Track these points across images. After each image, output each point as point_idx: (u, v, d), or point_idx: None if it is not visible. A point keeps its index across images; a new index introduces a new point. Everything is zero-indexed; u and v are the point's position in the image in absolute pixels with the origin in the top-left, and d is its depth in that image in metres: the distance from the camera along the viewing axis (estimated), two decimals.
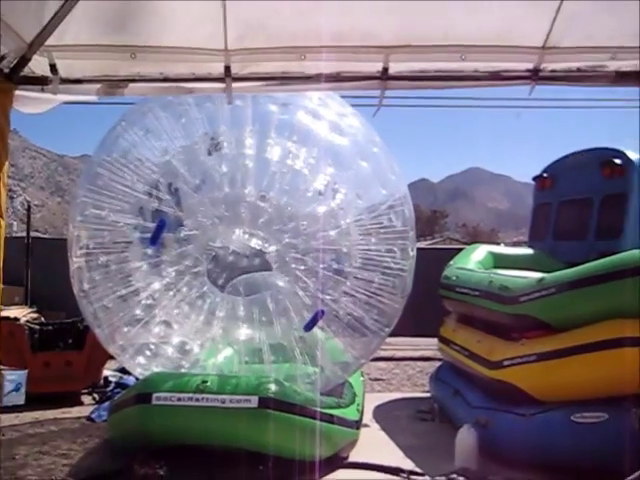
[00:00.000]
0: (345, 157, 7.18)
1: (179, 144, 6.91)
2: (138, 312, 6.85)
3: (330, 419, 6.42)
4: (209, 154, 6.94)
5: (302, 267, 6.87)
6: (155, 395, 6.06)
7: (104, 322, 6.97)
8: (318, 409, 6.31)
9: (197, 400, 5.99)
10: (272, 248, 7.08)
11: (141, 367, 6.99)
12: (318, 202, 7.01)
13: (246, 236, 7.12)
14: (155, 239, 6.60)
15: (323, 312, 6.70)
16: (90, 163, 7.40)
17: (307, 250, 6.88)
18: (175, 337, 7.04)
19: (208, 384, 6.11)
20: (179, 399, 6.03)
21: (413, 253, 7.37)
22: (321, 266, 6.78)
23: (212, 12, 3.40)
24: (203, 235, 6.88)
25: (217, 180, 6.88)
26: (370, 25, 3.59)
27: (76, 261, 6.92)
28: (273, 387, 6.14)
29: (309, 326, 6.74)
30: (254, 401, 5.94)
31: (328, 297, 6.83)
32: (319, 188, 7.03)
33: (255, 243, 7.13)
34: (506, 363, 6.70)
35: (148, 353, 6.96)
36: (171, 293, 6.87)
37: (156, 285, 6.86)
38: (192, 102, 6.78)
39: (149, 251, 6.81)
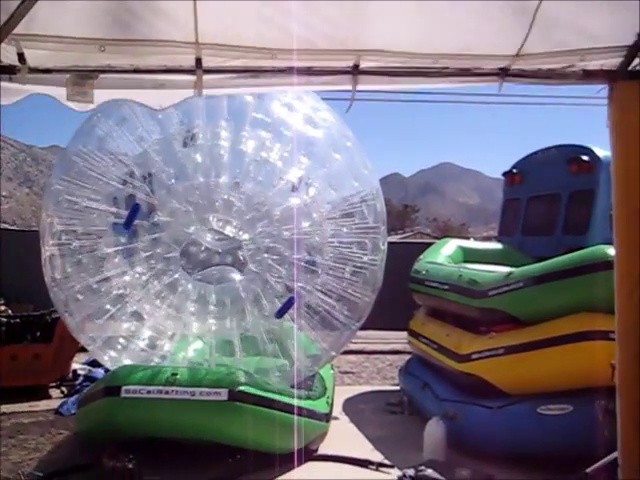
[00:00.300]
0: (319, 149, 7.23)
1: (155, 136, 6.92)
2: (109, 301, 6.83)
3: (300, 412, 6.43)
4: (184, 146, 6.94)
5: (274, 257, 6.90)
6: (124, 388, 6.03)
7: (75, 311, 6.93)
8: (288, 401, 6.33)
9: (167, 393, 5.97)
10: (245, 236, 7.08)
11: (111, 359, 6.95)
12: (291, 193, 7.05)
13: (220, 223, 7.12)
14: (129, 223, 6.57)
15: (294, 299, 6.73)
16: (65, 152, 7.34)
17: (279, 240, 6.91)
18: (146, 329, 7.01)
19: (178, 377, 6.09)
20: (149, 392, 6.00)
21: (384, 247, 7.42)
22: (294, 257, 6.82)
23: (182, 5, 3.38)
24: (176, 222, 6.87)
25: (191, 170, 6.89)
26: (341, 31, 3.60)
27: (48, 249, 6.88)
28: (243, 379, 6.16)
29: (281, 312, 6.76)
30: (224, 394, 5.94)
31: (300, 287, 6.86)
32: (292, 180, 7.07)
33: (229, 231, 7.14)
34: (474, 356, 6.78)
35: (118, 347, 6.92)
36: (144, 278, 6.86)
37: (129, 273, 6.84)
38: None
39: (122, 239, 6.78)
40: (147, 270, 6.87)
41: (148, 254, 6.84)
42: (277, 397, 6.29)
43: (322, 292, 6.96)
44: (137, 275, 6.88)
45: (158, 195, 6.84)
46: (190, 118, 6.97)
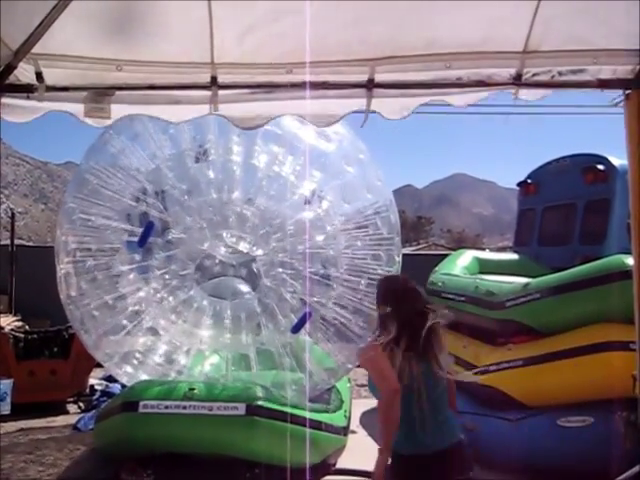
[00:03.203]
0: (331, 162, 7.21)
1: (167, 152, 6.94)
2: (125, 317, 6.82)
3: (318, 426, 6.40)
4: (197, 161, 6.96)
5: (289, 271, 6.87)
6: (142, 403, 6.02)
7: (91, 328, 6.92)
8: (306, 415, 6.30)
9: (184, 408, 5.95)
10: (259, 252, 7.08)
11: (127, 375, 6.96)
12: (304, 207, 7.04)
13: (233, 239, 7.13)
14: (143, 240, 6.59)
15: (311, 313, 6.70)
16: (78, 170, 7.40)
17: (293, 254, 6.89)
18: (162, 344, 7.01)
19: (195, 391, 6.08)
20: (166, 407, 5.98)
21: (399, 259, 7.39)
22: (308, 270, 6.80)
23: (199, 27, 3.42)
24: (190, 238, 6.87)
25: (204, 186, 6.89)
26: (354, 38, 3.62)
27: (63, 267, 6.89)
28: (261, 394, 6.13)
29: (297, 327, 6.73)
30: (241, 408, 5.92)
31: (315, 301, 6.84)
32: (305, 193, 7.06)
33: (243, 247, 7.14)
34: (492, 368, 6.72)
35: (135, 362, 6.93)
36: (158, 296, 6.86)
37: (143, 290, 6.85)
38: None
39: (137, 256, 6.79)
40: (162, 287, 6.87)
41: (163, 271, 6.84)
42: (295, 411, 6.26)
43: (337, 305, 6.92)
44: (152, 292, 6.87)
45: (171, 212, 6.84)
46: (202, 133, 6.99)
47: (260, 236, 6.95)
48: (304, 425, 6.19)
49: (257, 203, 6.91)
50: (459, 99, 3.91)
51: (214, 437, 5.99)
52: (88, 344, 7.06)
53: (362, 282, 7.03)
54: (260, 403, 6.00)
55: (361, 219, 7.27)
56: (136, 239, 6.63)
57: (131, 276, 6.84)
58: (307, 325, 6.76)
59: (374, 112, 3.95)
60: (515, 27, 3.61)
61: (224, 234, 7.09)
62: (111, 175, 6.81)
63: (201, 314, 6.92)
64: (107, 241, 6.78)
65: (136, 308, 6.83)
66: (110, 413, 6.36)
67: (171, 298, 6.87)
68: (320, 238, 6.98)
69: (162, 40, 3.58)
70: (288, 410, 6.18)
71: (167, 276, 6.84)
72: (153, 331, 6.97)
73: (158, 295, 6.86)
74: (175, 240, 6.84)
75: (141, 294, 6.84)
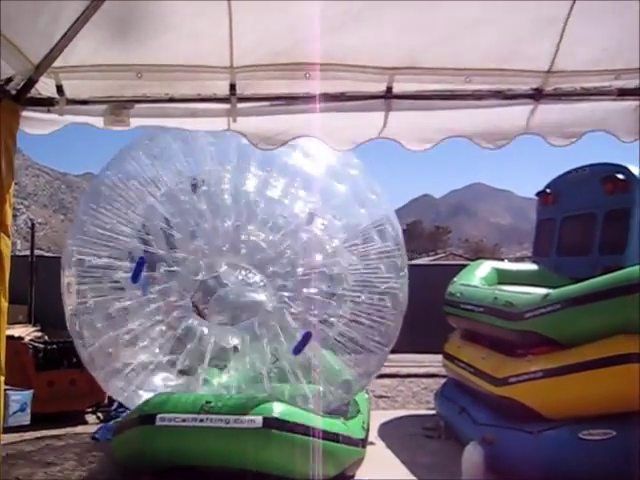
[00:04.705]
0: (320, 183, 7.32)
1: (163, 189, 7.13)
2: (133, 356, 6.99)
3: (335, 438, 6.37)
4: (193, 190, 7.15)
5: (289, 293, 6.95)
6: (159, 416, 6.04)
7: (98, 366, 7.14)
8: (323, 428, 6.27)
9: (201, 421, 5.96)
10: (257, 278, 7.22)
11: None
12: (300, 229, 7.14)
13: (230, 268, 7.30)
14: (136, 277, 6.73)
15: (310, 333, 6.68)
16: (76, 212, 7.61)
17: (292, 276, 6.99)
18: (172, 377, 7.09)
19: (212, 404, 6.08)
20: (183, 420, 5.99)
21: (404, 269, 7.45)
22: (311, 291, 6.90)
23: (218, 30, 3.42)
24: (186, 270, 7.00)
25: (198, 216, 7.06)
26: (375, 46, 3.61)
27: (69, 305, 7.15)
28: (277, 407, 6.12)
29: (298, 349, 6.72)
30: (258, 421, 5.91)
31: (320, 320, 6.88)
32: (300, 215, 7.17)
33: (240, 274, 7.26)
34: (512, 380, 6.67)
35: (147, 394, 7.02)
36: (161, 329, 7.00)
37: (146, 324, 6.98)
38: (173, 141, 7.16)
39: (138, 292, 6.94)
40: (162, 319, 7.01)
41: (159, 304, 6.96)
42: (312, 423, 6.23)
43: (346, 320, 6.94)
44: (154, 324, 7.00)
45: (166, 245, 7.01)
46: (198, 163, 7.22)
47: (257, 261, 7.09)
48: (322, 437, 6.16)
49: (251, 229, 7.04)
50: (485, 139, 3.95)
51: (231, 450, 5.98)
52: (99, 380, 7.35)
53: (367, 296, 7.10)
54: (277, 416, 5.98)
55: (356, 234, 7.32)
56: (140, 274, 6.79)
57: (133, 310, 6.99)
58: (313, 343, 6.73)
59: (394, 141, 3.99)
60: (540, 47, 3.59)
61: (221, 262, 7.32)
62: (109, 214, 7.02)
63: (205, 344, 6.99)
64: (109, 280, 6.96)
65: (145, 343, 7.00)
66: (128, 426, 6.38)
67: (172, 326, 7.01)
68: (319, 257, 7.07)
69: (181, 44, 3.59)
70: (305, 422, 6.15)
71: (166, 309, 6.98)
72: (160, 366, 7.06)
73: (158, 328, 7.00)
74: (169, 273, 6.98)
75: (144, 326, 6.99)
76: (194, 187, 7.07)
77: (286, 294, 6.94)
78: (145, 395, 6.80)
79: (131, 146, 7.46)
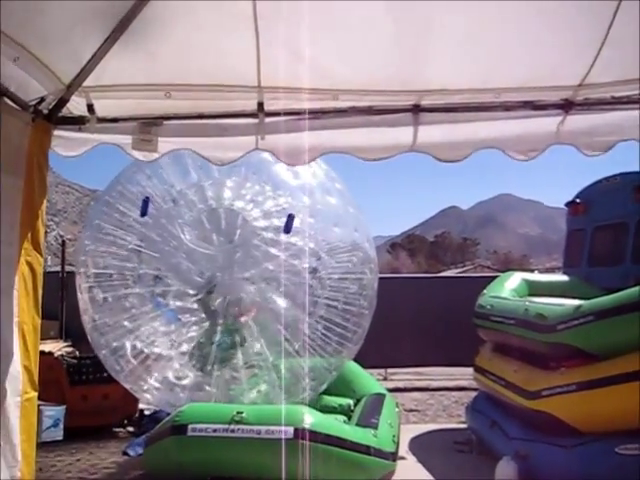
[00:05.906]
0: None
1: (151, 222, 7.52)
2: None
3: (366, 450, 6.35)
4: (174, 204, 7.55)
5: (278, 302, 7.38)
6: (191, 426, 6.08)
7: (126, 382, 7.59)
8: (354, 440, 6.25)
9: (232, 431, 6.00)
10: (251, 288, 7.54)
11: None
12: (283, 245, 7.50)
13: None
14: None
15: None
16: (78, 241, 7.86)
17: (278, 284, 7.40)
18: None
19: (243, 415, 6.11)
20: (214, 430, 6.04)
21: (371, 291, 8.07)
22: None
23: (245, 50, 3.47)
24: (182, 286, 7.39)
25: (188, 234, 7.45)
26: (404, 71, 3.64)
27: (89, 322, 7.74)
28: (308, 418, 6.12)
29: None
30: (289, 432, 5.92)
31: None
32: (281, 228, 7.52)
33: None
34: (545, 393, 6.56)
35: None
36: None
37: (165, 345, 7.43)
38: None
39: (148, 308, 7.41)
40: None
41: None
42: (343, 435, 6.22)
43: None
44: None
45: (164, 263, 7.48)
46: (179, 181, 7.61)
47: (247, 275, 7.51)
48: (353, 449, 6.15)
49: (237, 245, 7.51)
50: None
51: (262, 460, 6.00)
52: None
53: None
54: (308, 427, 5.99)
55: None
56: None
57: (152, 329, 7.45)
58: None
59: (426, 153, 3.99)
60: (572, 68, 3.60)
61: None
62: (108, 237, 7.53)
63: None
64: (121, 309, 7.58)
65: (175, 364, 7.43)
66: (159, 436, 6.43)
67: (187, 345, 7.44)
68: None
69: (209, 64, 3.64)
70: (337, 434, 6.14)
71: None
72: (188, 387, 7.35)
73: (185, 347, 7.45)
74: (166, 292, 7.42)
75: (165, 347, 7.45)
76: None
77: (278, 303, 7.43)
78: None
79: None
